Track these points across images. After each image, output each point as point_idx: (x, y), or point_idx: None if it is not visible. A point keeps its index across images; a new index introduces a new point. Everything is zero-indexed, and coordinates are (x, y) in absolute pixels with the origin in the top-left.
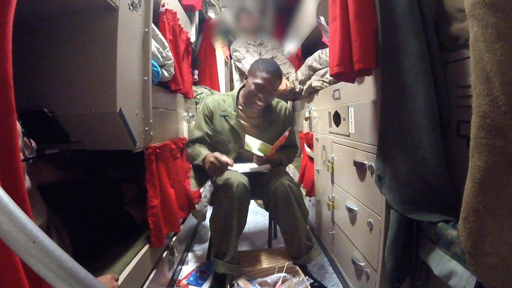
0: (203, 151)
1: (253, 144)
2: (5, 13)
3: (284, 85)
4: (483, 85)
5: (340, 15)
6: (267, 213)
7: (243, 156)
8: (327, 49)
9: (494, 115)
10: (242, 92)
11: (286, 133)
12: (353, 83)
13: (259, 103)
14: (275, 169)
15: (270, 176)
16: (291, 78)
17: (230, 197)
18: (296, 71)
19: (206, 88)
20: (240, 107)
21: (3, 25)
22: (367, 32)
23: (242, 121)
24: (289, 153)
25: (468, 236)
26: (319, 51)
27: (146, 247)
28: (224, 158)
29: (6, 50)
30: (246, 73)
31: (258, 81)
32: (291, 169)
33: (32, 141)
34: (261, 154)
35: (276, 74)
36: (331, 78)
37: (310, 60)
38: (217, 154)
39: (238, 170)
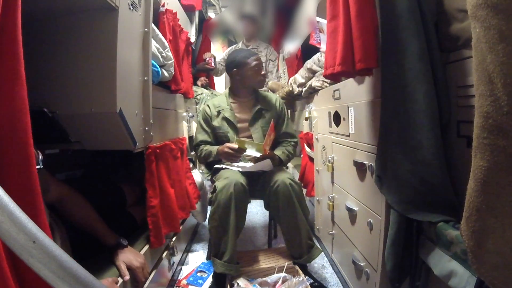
0: (212, 148)
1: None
2: (14, 15)
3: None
4: (486, 86)
5: (343, 13)
6: (267, 213)
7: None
8: None
9: (497, 115)
10: (233, 87)
11: (271, 124)
12: (340, 81)
13: (263, 78)
14: (276, 168)
15: (271, 175)
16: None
17: (228, 197)
18: (296, 72)
19: (206, 88)
20: (232, 101)
21: (13, 27)
22: (369, 31)
23: (236, 113)
24: (287, 149)
25: (471, 235)
26: (318, 54)
27: (146, 247)
28: (234, 145)
29: (18, 51)
30: (233, 68)
31: (254, 63)
32: (290, 168)
33: (39, 152)
34: (256, 155)
35: (257, 55)
36: (329, 79)
37: (309, 63)
38: (228, 144)
39: (240, 169)
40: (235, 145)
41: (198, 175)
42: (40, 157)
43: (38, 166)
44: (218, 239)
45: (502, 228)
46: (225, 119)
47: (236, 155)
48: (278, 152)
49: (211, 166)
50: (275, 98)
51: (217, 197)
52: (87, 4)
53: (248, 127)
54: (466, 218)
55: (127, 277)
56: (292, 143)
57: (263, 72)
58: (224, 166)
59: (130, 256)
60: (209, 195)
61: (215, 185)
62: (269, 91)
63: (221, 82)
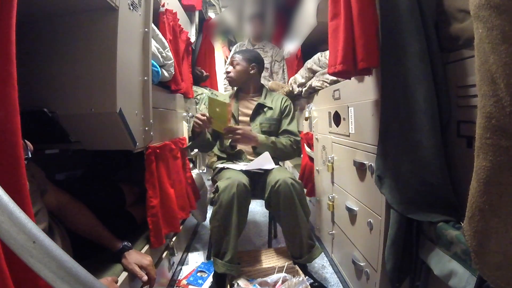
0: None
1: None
2: (8, 15)
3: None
4: (488, 86)
5: (344, 12)
6: (267, 213)
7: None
8: (327, 52)
9: (499, 116)
10: None
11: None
12: (350, 79)
13: (225, 73)
14: (277, 168)
15: (273, 175)
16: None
17: (230, 197)
18: (296, 72)
19: (206, 88)
20: (239, 96)
21: (7, 27)
22: (371, 31)
23: (240, 107)
24: (281, 140)
25: (474, 235)
26: (318, 54)
27: (146, 247)
28: (200, 116)
29: (10, 52)
30: None
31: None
32: (290, 168)
33: (28, 142)
34: (220, 127)
35: (239, 54)
36: (331, 78)
37: (309, 63)
38: (197, 114)
39: (242, 169)
40: (201, 116)
41: (198, 175)
42: (29, 149)
43: (27, 156)
44: (219, 239)
45: (505, 227)
46: None
47: (200, 123)
48: (268, 138)
49: (196, 145)
50: (282, 98)
51: (220, 197)
52: (87, 4)
53: (249, 122)
54: (469, 218)
55: (145, 277)
56: (291, 139)
57: (227, 68)
58: (226, 166)
59: (139, 257)
60: (209, 195)
61: (217, 185)
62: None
63: (221, 82)
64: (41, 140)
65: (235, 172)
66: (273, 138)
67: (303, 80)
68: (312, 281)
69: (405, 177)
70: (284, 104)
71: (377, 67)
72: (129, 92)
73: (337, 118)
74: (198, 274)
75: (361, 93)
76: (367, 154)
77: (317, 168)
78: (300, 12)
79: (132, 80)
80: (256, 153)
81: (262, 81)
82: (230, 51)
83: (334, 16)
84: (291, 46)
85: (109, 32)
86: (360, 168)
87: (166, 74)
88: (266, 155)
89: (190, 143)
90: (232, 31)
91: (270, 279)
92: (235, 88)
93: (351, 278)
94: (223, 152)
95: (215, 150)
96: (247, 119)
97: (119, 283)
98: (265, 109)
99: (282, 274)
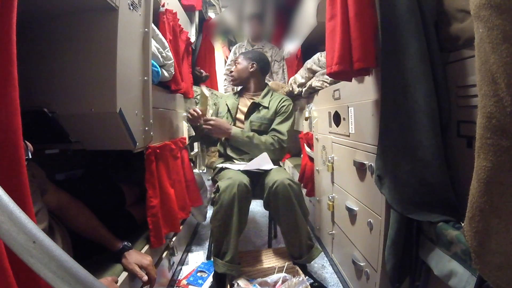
0: None
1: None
2: (9, 15)
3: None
4: (489, 86)
5: (340, 13)
6: (267, 213)
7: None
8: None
9: (500, 115)
10: None
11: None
12: (351, 81)
13: (225, 74)
14: (275, 169)
15: (270, 176)
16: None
17: (231, 197)
18: (296, 72)
19: (206, 88)
20: (242, 95)
21: (7, 27)
22: (368, 31)
23: (239, 106)
24: (261, 137)
25: (474, 235)
26: (318, 54)
27: (146, 247)
28: (193, 111)
29: (11, 52)
30: None
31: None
32: (290, 168)
33: (28, 143)
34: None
35: (242, 54)
36: (331, 78)
37: (309, 63)
38: (190, 109)
39: (240, 168)
40: (193, 112)
41: (198, 175)
42: (29, 149)
43: (27, 157)
44: (220, 239)
45: (505, 228)
46: (226, 105)
47: (191, 117)
48: (243, 132)
49: (196, 139)
50: (282, 98)
51: (221, 197)
52: (87, 4)
53: (244, 120)
54: (469, 219)
55: (146, 277)
56: (275, 138)
57: (231, 69)
58: (225, 166)
59: (139, 257)
60: (209, 195)
61: (218, 185)
62: None
63: (221, 82)
64: (41, 140)
65: (235, 172)
66: (251, 133)
67: (303, 80)
68: (312, 281)
69: (405, 177)
70: (280, 104)
71: (373, 68)
72: (129, 92)
73: (337, 118)
74: (198, 274)
75: (361, 93)
76: (367, 154)
77: (317, 168)
78: (300, 12)
79: (132, 80)
80: (233, 146)
81: None
82: (230, 51)
83: (331, 17)
84: (291, 46)
85: (109, 32)
86: (360, 168)
87: (166, 74)
88: (264, 155)
89: (192, 137)
90: (232, 31)
91: (270, 279)
92: (236, 88)
93: (351, 278)
94: (222, 148)
95: (218, 145)
96: (243, 117)
97: (119, 283)
98: (260, 108)
99: (282, 274)
